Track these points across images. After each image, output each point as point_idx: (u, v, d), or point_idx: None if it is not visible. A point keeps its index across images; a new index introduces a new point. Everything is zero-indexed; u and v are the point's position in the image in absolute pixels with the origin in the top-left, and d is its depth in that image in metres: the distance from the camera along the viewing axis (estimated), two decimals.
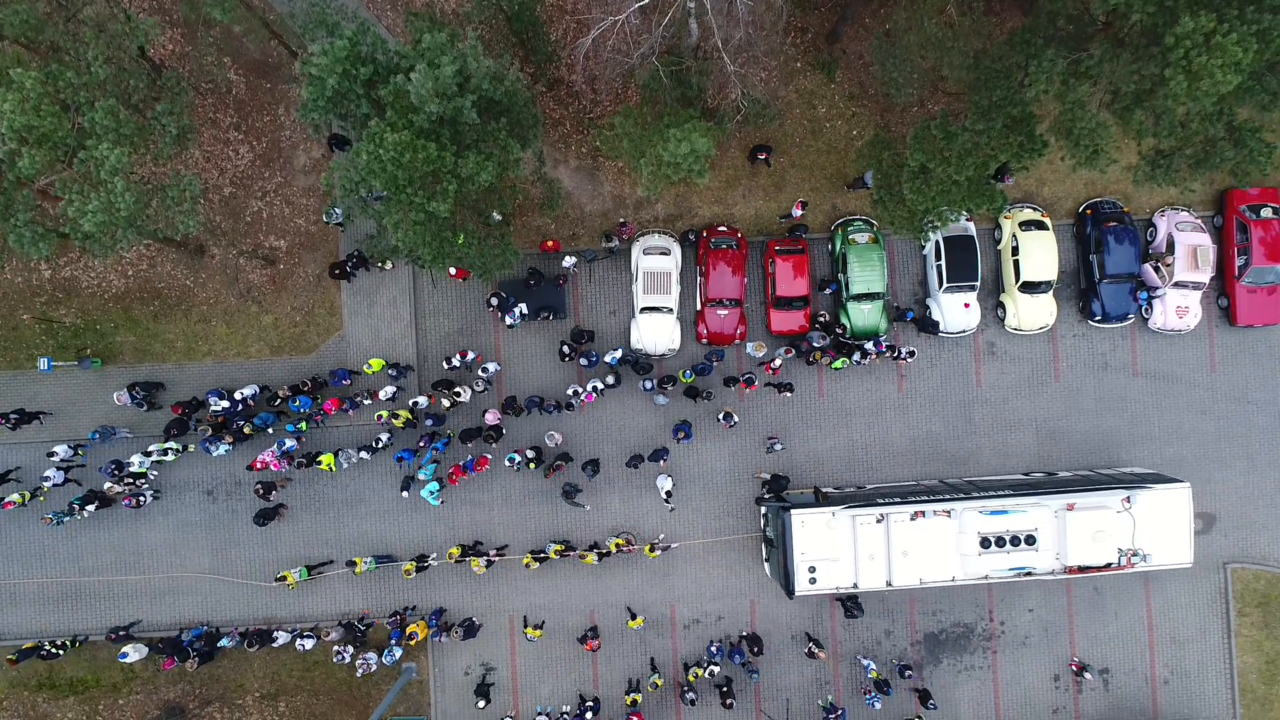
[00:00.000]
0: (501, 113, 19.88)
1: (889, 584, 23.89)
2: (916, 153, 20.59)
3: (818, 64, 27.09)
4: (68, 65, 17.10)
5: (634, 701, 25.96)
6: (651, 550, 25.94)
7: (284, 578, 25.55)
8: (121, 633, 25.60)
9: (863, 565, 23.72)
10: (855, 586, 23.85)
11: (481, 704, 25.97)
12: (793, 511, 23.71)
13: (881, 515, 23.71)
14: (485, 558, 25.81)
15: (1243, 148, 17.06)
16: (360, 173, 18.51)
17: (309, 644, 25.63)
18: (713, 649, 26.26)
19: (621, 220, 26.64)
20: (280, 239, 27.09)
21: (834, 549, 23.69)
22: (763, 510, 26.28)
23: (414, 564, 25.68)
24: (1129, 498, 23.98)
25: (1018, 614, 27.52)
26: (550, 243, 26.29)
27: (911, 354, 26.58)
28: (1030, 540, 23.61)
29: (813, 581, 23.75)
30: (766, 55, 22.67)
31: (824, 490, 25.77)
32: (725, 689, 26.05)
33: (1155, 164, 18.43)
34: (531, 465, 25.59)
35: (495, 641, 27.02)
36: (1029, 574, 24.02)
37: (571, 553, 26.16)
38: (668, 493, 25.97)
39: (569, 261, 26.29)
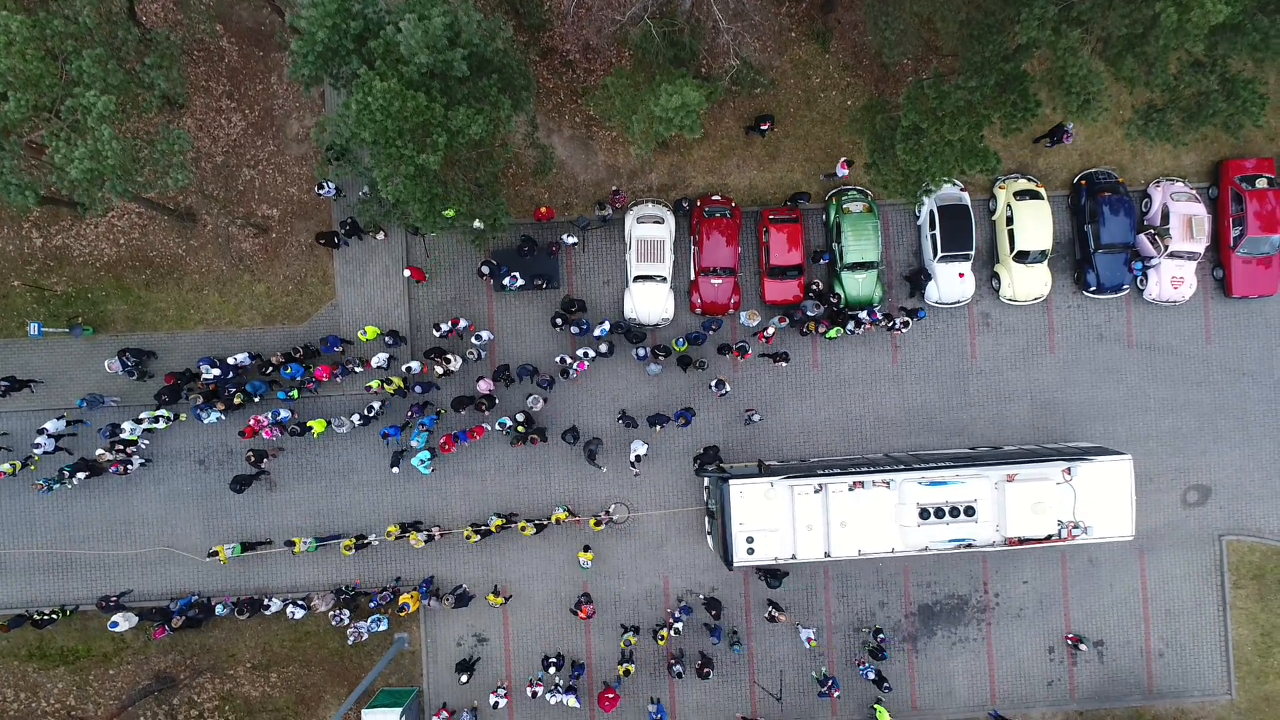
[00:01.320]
0: (493, 70, 19.81)
1: (827, 554, 23.67)
2: (910, 112, 20.51)
3: (812, 34, 27.02)
4: (55, 14, 17.04)
5: (626, 671, 25.84)
6: (597, 524, 25.79)
7: (216, 553, 25.25)
8: (112, 601, 25.48)
9: (801, 536, 23.52)
10: (794, 557, 23.67)
11: (464, 678, 25.88)
12: (731, 482, 23.54)
13: (819, 486, 23.49)
14: (425, 533, 25.59)
15: (1235, 99, 16.97)
16: (350, 127, 18.46)
17: (300, 613, 25.51)
18: (676, 614, 26.15)
19: (615, 188, 26.55)
20: (273, 208, 26.99)
21: (772, 520, 23.49)
22: (705, 482, 26.10)
23: (353, 541, 25.49)
24: (1069, 469, 23.76)
25: (1012, 586, 27.43)
26: (544, 210, 26.21)
27: (906, 323, 26.47)
28: (970, 511, 23.36)
29: (750, 552, 23.52)
30: (760, 19, 22.64)
31: (767, 463, 25.62)
32: (703, 659, 26.08)
33: (1148, 118, 18.33)
34: (520, 429, 25.52)
35: (488, 612, 26.88)
36: (969, 546, 23.80)
37: (513, 525, 25.95)
38: (638, 457, 25.74)
39: (570, 240, 26.23)
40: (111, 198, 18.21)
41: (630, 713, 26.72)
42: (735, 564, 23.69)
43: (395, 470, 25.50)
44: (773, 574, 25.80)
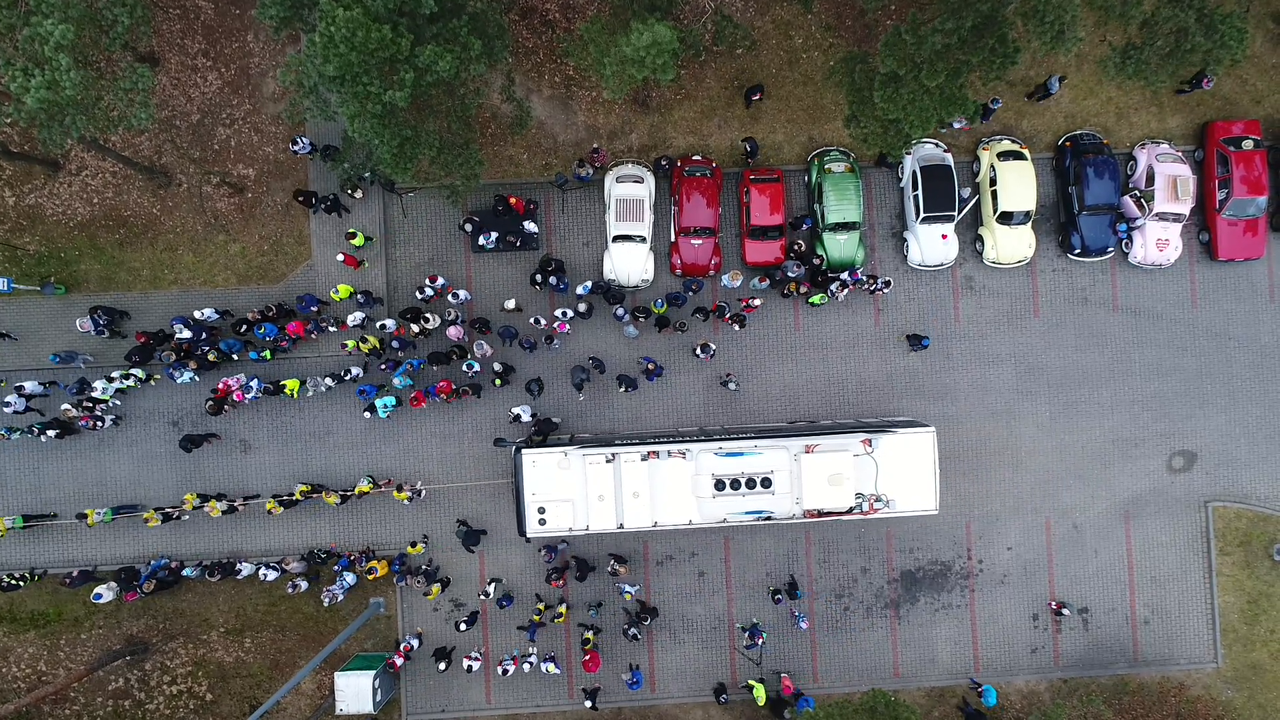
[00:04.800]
0: (464, 13, 19.52)
1: (621, 526, 23.18)
2: (887, 59, 20.20)
3: None
4: None
5: (586, 639, 25.46)
6: (399, 492, 25.31)
7: None
8: (74, 576, 25.02)
9: (593, 507, 23.07)
10: (587, 528, 23.25)
11: (442, 666, 25.38)
12: (524, 451, 23.13)
13: (612, 455, 23.02)
14: (227, 503, 25.11)
15: (1214, 33, 16.71)
16: (317, 67, 18.15)
17: (273, 575, 25.18)
18: (543, 555, 25.96)
19: (595, 146, 26.27)
20: (249, 167, 26.69)
21: (565, 490, 23.10)
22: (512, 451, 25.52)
23: (154, 512, 24.96)
24: (870, 440, 23.27)
25: (996, 552, 27.11)
26: (514, 200, 25.87)
27: (888, 284, 26.17)
28: (766, 483, 22.87)
29: (543, 523, 23.09)
30: None
31: (581, 437, 25.29)
32: (640, 614, 25.89)
33: (1126, 55, 18.06)
34: (497, 382, 25.23)
35: (466, 579, 26.52)
36: (768, 518, 23.36)
37: (317, 495, 25.36)
38: (516, 416, 25.28)
39: (532, 228, 25.91)
40: (72, 135, 17.87)
41: (610, 680, 26.38)
42: (528, 534, 23.28)
43: (367, 416, 25.16)
44: (472, 536, 25.42)
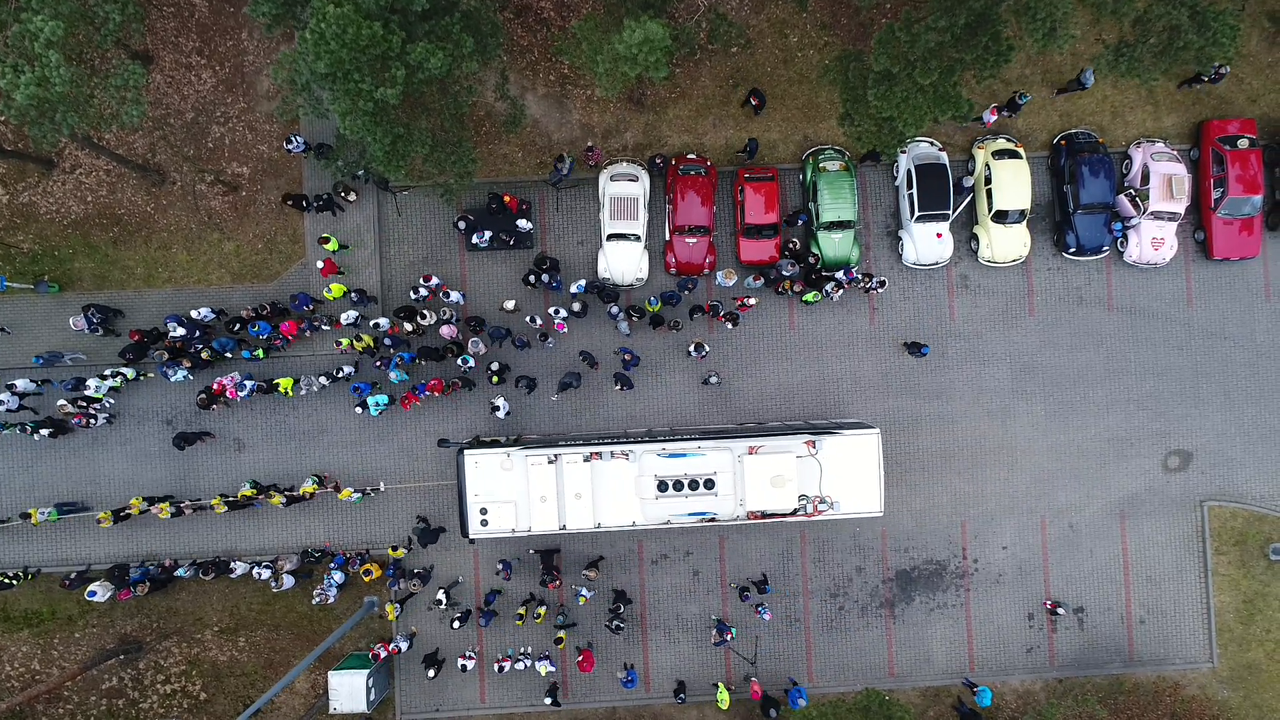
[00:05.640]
0: (457, 10, 19.50)
1: (563, 527, 23.11)
2: (881, 56, 20.21)
3: None
4: None
5: (562, 639, 25.45)
6: (338, 490, 25.31)
7: None
8: (72, 578, 25.01)
9: (535, 508, 22.97)
10: (529, 530, 23.14)
11: (431, 673, 25.28)
12: (466, 452, 23.07)
13: (554, 456, 22.94)
14: (175, 506, 24.99)
15: (1207, 30, 16.68)
16: (309, 64, 18.12)
17: (266, 573, 25.15)
18: (499, 567, 25.88)
19: (590, 145, 26.23)
20: (243, 165, 26.66)
21: (508, 491, 23.02)
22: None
23: (109, 514, 24.82)
24: (813, 442, 23.15)
25: (992, 551, 27.07)
26: (509, 198, 25.83)
27: (882, 284, 26.13)
28: (709, 484, 22.84)
29: (484, 524, 23.03)
30: None
31: (529, 438, 25.24)
32: (616, 608, 25.73)
33: (1119, 53, 18.04)
34: (495, 380, 25.21)
35: (467, 581, 26.49)
36: (712, 519, 23.26)
37: (262, 495, 25.25)
38: (495, 407, 25.30)
39: (526, 225, 25.83)
40: (63, 132, 17.83)
41: (605, 679, 26.37)
42: (471, 535, 23.20)
43: (359, 412, 25.12)
44: (431, 535, 25.42)
